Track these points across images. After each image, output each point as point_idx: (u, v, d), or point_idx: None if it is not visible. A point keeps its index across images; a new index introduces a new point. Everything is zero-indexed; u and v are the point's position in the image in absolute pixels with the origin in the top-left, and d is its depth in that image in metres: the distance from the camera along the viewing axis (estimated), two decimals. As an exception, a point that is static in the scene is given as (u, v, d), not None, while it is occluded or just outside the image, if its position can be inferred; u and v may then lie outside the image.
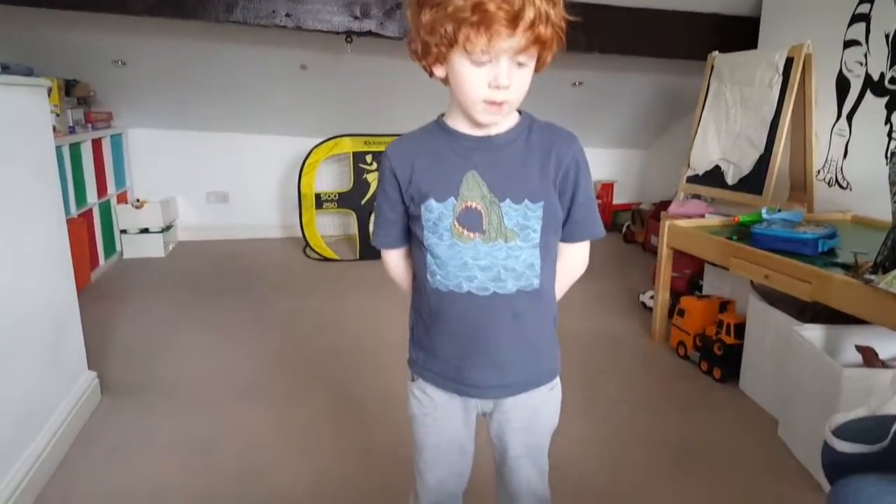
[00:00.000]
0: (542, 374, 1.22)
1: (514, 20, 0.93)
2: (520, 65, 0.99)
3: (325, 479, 1.96)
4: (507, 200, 1.06)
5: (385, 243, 1.21)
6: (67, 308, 2.29)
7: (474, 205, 1.06)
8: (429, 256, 1.11)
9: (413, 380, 1.24)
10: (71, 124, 3.91)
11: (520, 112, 1.12)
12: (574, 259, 1.22)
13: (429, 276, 1.12)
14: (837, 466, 1.16)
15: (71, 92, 4.04)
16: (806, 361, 2.10)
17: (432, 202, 1.07)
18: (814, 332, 2.19)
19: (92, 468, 2.00)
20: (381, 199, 1.16)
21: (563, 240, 1.17)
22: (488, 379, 1.16)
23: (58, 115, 3.68)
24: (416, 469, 1.30)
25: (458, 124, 1.09)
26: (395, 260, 1.24)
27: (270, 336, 3.11)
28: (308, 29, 3.55)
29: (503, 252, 1.07)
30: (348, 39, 3.68)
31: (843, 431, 1.19)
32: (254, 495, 1.89)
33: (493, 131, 1.08)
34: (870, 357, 2.04)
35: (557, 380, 1.25)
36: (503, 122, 1.08)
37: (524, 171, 1.07)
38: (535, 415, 1.23)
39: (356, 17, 3.59)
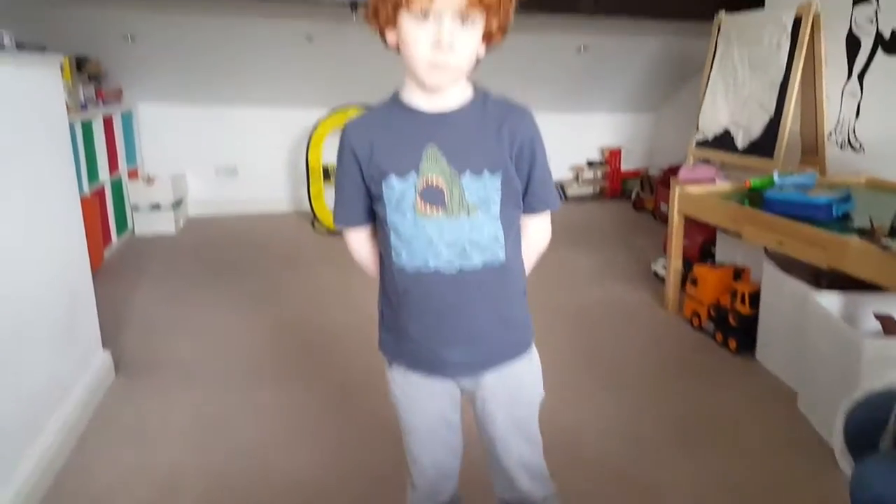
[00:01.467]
0: (516, 346, 1.20)
1: None
2: (464, 22, 0.99)
3: (336, 459, 1.99)
4: (467, 172, 1.06)
5: (347, 220, 1.17)
6: (82, 287, 2.31)
7: (435, 180, 1.05)
8: (392, 235, 1.09)
9: (389, 365, 1.23)
10: (83, 101, 3.90)
11: (474, 88, 1.11)
12: (536, 232, 1.21)
13: (394, 256, 1.10)
14: (859, 442, 1.17)
15: (82, 69, 4.03)
16: (824, 331, 2.09)
17: (393, 179, 1.06)
18: (831, 300, 2.18)
19: (107, 447, 2.04)
20: (341, 177, 1.14)
21: (526, 211, 1.16)
22: (462, 356, 1.15)
23: (69, 92, 3.66)
24: (409, 455, 1.28)
25: (414, 98, 1.08)
26: (359, 240, 1.21)
27: (282, 312, 3.14)
28: (313, -1, 3.52)
29: (466, 226, 1.07)
30: (353, 8, 3.64)
31: (858, 411, 1.20)
32: (266, 473, 1.92)
33: (449, 106, 1.08)
34: (890, 326, 2.03)
35: (534, 349, 1.23)
36: (455, 91, 1.07)
37: (481, 142, 1.07)
38: (517, 386, 1.21)
39: (360, -13, 3.55)
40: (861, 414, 1.22)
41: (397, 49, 1.05)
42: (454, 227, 1.06)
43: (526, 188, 1.13)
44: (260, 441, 2.07)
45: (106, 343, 2.47)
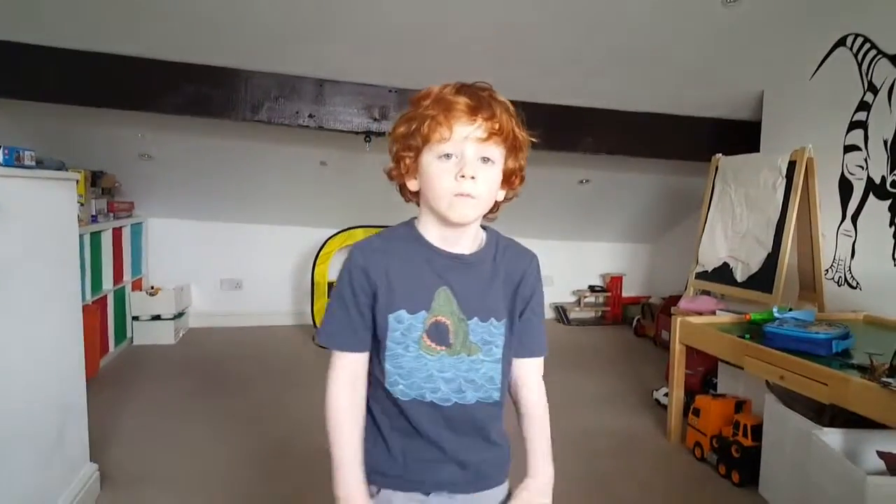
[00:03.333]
0: (496, 474, 1.21)
1: (473, 110, 1.04)
2: (485, 160, 1.06)
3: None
4: (475, 318, 1.11)
5: (346, 343, 1.13)
6: (75, 400, 2.29)
7: (444, 319, 1.10)
8: (389, 365, 1.11)
9: (375, 494, 1.17)
10: (94, 213, 4.02)
11: (485, 230, 1.18)
12: (539, 382, 1.23)
13: (388, 385, 1.12)
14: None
15: (97, 182, 4.18)
16: (828, 467, 2.08)
17: (404, 313, 1.09)
18: (834, 437, 2.18)
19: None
20: (345, 298, 1.11)
21: (519, 355, 1.18)
22: (451, 476, 1.15)
23: (82, 204, 3.79)
24: None
25: (431, 236, 1.13)
26: (353, 374, 1.14)
27: (275, 430, 3.09)
28: (329, 129, 3.71)
29: (465, 364, 1.11)
30: (367, 139, 3.83)
31: None
32: None
33: (464, 250, 1.13)
34: (894, 464, 2.02)
35: (507, 483, 1.23)
36: (470, 233, 1.13)
37: (492, 291, 1.13)
38: None
39: (375, 119, 3.76)
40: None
41: (417, 199, 1.13)
42: (454, 364, 1.10)
43: (522, 334, 1.17)
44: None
45: (94, 455, 2.42)
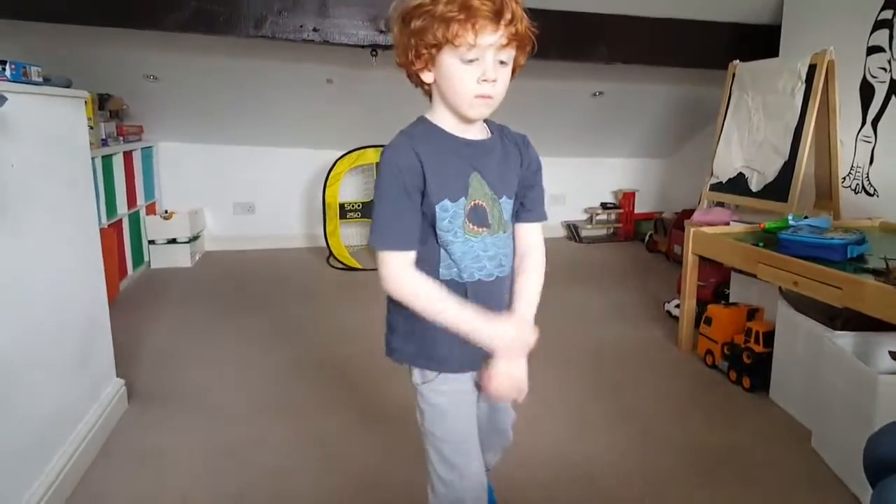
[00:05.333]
0: None
1: (496, 15, 1.06)
2: (502, 63, 1.12)
3: (347, 485, 1.99)
4: (504, 197, 1.23)
5: (402, 242, 1.16)
6: (98, 316, 2.34)
7: (481, 202, 1.19)
8: (443, 252, 1.20)
9: (428, 380, 1.26)
10: (104, 137, 4.00)
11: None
12: (539, 242, 1.33)
13: (442, 270, 1.20)
14: (880, 468, 1.18)
15: (104, 105, 4.14)
16: (839, 369, 2.09)
17: (447, 202, 1.16)
18: (846, 340, 2.19)
19: (118, 474, 2.04)
20: (396, 196, 1.14)
21: (529, 220, 1.31)
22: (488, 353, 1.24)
23: (91, 127, 3.75)
24: (453, 466, 1.28)
25: (447, 126, 1.19)
26: (410, 268, 1.17)
27: (296, 345, 3.15)
28: (334, 43, 3.62)
29: (502, 241, 1.24)
30: (373, 53, 3.74)
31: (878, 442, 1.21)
32: (278, 500, 1.92)
33: (478, 136, 1.22)
34: (904, 363, 2.03)
35: None
36: (478, 123, 1.22)
37: (509, 171, 1.24)
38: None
39: (381, 31, 3.65)
40: (880, 445, 1.23)
41: (428, 89, 1.18)
42: (494, 242, 1.22)
43: (528, 202, 1.30)
44: (273, 470, 2.07)
45: (120, 372, 2.49)
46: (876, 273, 2.13)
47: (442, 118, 1.19)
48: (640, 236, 5.70)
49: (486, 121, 1.25)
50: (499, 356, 1.18)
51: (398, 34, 1.14)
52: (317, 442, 2.25)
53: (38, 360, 1.84)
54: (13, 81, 1.75)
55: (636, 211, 5.89)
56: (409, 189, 1.14)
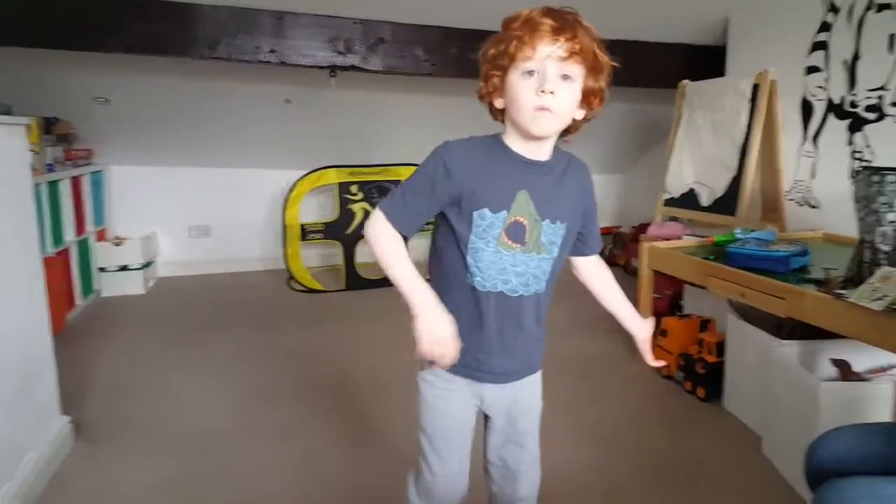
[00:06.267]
0: (537, 362, 1.43)
1: (556, 31, 1.13)
2: (565, 77, 1.15)
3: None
4: (547, 220, 1.25)
5: (402, 224, 1.23)
6: (41, 350, 2.24)
7: (522, 220, 1.22)
8: (470, 258, 1.24)
9: (423, 370, 1.35)
10: (50, 162, 3.89)
11: (557, 149, 1.30)
12: (602, 266, 1.49)
13: (468, 276, 1.25)
14: (819, 473, 1.23)
15: (51, 130, 4.03)
16: (785, 377, 2.17)
17: (486, 211, 1.21)
18: (791, 349, 2.27)
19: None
20: (421, 185, 1.22)
21: (585, 253, 1.43)
22: (506, 366, 1.33)
23: (36, 152, 3.65)
24: (433, 458, 1.37)
25: (514, 145, 1.24)
26: (393, 242, 1.23)
27: (255, 372, 3.10)
28: (292, 64, 3.63)
29: (534, 262, 1.26)
30: (332, 74, 3.77)
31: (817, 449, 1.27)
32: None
33: (542, 157, 1.25)
34: (845, 370, 2.12)
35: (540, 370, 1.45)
36: (547, 147, 1.25)
37: (562, 197, 1.27)
38: (534, 394, 1.44)
39: (340, 52, 3.68)
40: (818, 452, 1.29)
41: (503, 116, 1.25)
42: (525, 261, 1.25)
43: (588, 236, 1.40)
44: (231, 501, 2.04)
45: (67, 408, 2.38)
46: (817, 283, 2.21)
47: (511, 139, 1.24)
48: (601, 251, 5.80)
49: (556, 147, 1.29)
50: (416, 319, 1.19)
51: (482, 71, 1.22)
52: (273, 470, 2.23)
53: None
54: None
55: (595, 226, 5.99)
56: (437, 186, 1.21)
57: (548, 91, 1.13)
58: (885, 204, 2.05)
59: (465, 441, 1.39)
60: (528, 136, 1.21)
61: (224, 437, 2.46)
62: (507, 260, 1.24)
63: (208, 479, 2.17)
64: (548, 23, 1.13)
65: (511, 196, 1.21)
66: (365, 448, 2.36)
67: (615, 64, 1.22)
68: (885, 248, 2.06)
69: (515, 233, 1.23)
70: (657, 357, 1.50)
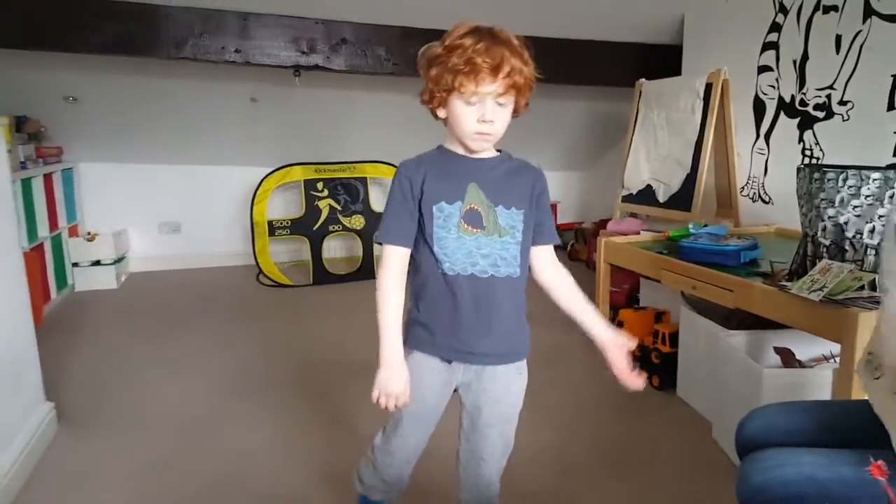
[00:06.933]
0: (517, 350, 1.52)
1: (494, 70, 1.27)
2: (500, 105, 1.32)
3: (291, 495, 2.07)
4: (500, 206, 1.40)
5: (398, 238, 1.41)
6: (25, 341, 2.34)
7: (476, 207, 1.38)
8: (437, 248, 1.39)
9: (409, 353, 1.45)
10: (22, 160, 3.94)
11: (498, 151, 1.46)
12: (554, 260, 1.53)
13: (438, 264, 1.40)
14: (746, 446, 1.34)
15: (21, 128, 4.07)
16: (732, 366, 2.29)
17: (443, 204, 1.38)
18: (738, 338, 2.39)
19: (51, 495, 2.07)
20: (396, 204, 1.40)
21: (538, 242, 1.48)
22: (483, 346, 1.43)
23: (9, 151, 3.67)
24: (395, 434, 1.55)
25: (458, 150, 1.42)
26: (400, 263, 1.41)
27: (226, 362, 3.19)
28: (257, 64, 3.68)
29: (498, 245, 1.39)
30: (296, 73, 3.82)
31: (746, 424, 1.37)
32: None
33: (483, 156, 1.41)
34: (787, 358, 2.24)
35: (525, 365, 1.55)
36: (489, 149, 1.41)
37: (511, 187, 1.41)
38: (506, 390, 1.51)
39: (303, 52, 3.73)
40: (746, 427, 1.40)
41: (444, 121, 1.39)
42: (489, 243, 1.39)
43: (539, 227, 1.47)
44: (207, 482, 2.13)
45: (48, 396, 2.49)
46: (764, 276, 2.33)
47: (454, 144, 1.42)
48: (562, 245, 5.92)
49: (498, 150, 1.45)
50: (380, 367, 1.40)
51: (423, 76, 1.36)
52: (246, 455, 2.31)
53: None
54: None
55: (558, 221, 6.10)
56: (408, 197, 1.39)
57: (488, 121, 1.31)
58: (824, 200, 2.17)
59: (429, 421, 1.53)
60: (468, 150, 1.39)
61: (198, 423, 2.56)
62: (472, 244, 1.38)
63: (184, 462, 2.27)
64: (486, 64, 1.26)
65: (463, 188, 1.38)
66: (334, 432, 2.46)
67: (539, 76, 1.36)
68: (826, 241, 2.19)
69: (473, 219, 1.38)
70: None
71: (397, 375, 1.38)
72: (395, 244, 1.41)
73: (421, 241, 1.41)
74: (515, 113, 1.38)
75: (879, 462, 0.97)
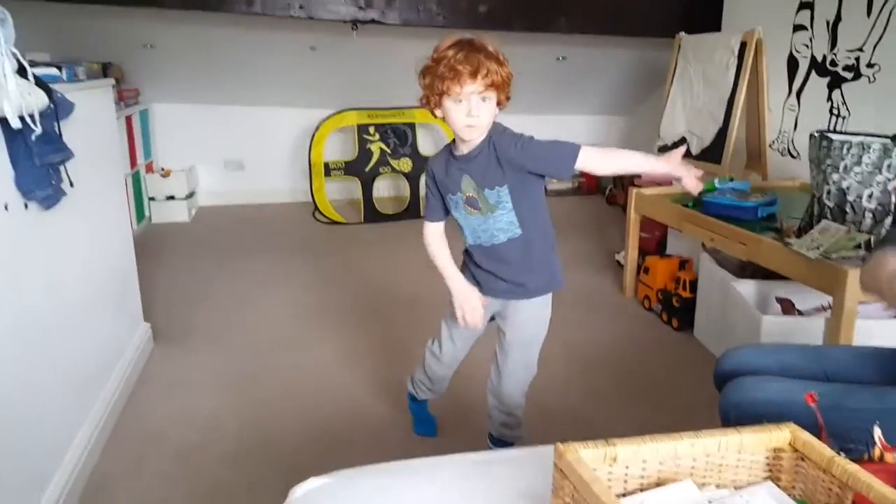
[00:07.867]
0: (532, 290, 1.84)
1: (473, 74, 1.59)
2: (484, 99, 1.63)
3: (352, 403, 2.49)
4: (486, 189, 1.71)
5: (432, 216, 1.88)
6: (128, 265, 2.76)
7: (471, 194, 1.74)
8: (460, 225, 1.83)
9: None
10: (110, 104, 4.32)
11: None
12: (586, 156, 1.64)
13: (464, 236, 1.85)
14: (723, 378, 1.66)
15: (107, 74, 4.42)
16: (738, 311, 2.59)
17: (450, 195, 1.79)
18: (747, 287, 2.67)
19: (157, 398, 2.51)
20: (428, 192, 1.87)
21: (565, 175, 1.67)
22: (498, 287, 1.84)
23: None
24: (442, 343, 2.02)
25: (456, 148, 1.77)
26: (436, 232, 1.88)
27: (291, 290, 3.62)
28: (318, 18, 3.96)
29: (491, 221, 1.75)
30: (353, 27, 4.09)
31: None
32: (293, 415, 2.40)
33: (471, 151, 1.72)
34: (787, 307, 2.52)
35: (548, 299, 1.89)
36: (478, 139, 1.70)
37: (490, 171, 1.70)
38: (524, 320, 1.88)
39: (361, 7, 4.00)
40: (725, 361, 1.72)
41: (442, 119, 1.71)
42: (484, 220, 1.75)
43: (547, 164, 1.68)
44: (282, 391, 2.56)
45: (145, 317, 2.91)
46: (776, 231, 2.58)
47: (455, 140, 1.76)
48: (601, 190, 6.14)
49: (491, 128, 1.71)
50: (453, 295, 1.86)
51: (420, 86, 1.68)
52: (314, 370, 2.73)
53: (92, 304, 2.25)
54: (69, 82, 2.13)
55: (600, 164, 6.30)
56: (433, 187, 1.84)
57: (474, 115, 1.62)
58: (830, 165, 2.40)
59: (470, 335, 1.97)
60: (462, 140, 1.72)
61: (273, 342, 3.00)
62: (475, 222, 1.77)
63: (262, 374, 2.70)
64: (466, 70, 1.57)
65: (459, 181, 1.74)
66: (386, 352, 2.88)
67: (513, 74, 1.65)
68: (830, 203, 2.44)
69: (472, 203, 1.75)
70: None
71: (469, 292, 1.83)
72: (432, 221, 1.88)
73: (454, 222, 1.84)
74: (499, 105, 1.67)
75: (812, 392, 1.28)
